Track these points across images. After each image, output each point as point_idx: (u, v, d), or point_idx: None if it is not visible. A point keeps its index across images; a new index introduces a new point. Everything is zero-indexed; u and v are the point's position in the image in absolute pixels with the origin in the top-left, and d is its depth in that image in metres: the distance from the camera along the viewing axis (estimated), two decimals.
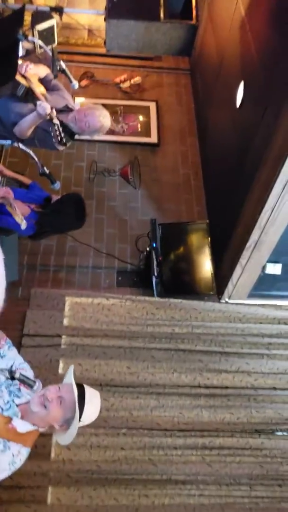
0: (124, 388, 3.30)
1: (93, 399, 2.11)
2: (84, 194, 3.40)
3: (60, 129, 2.95)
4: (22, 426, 2.01)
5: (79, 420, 2.02)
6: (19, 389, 2.14)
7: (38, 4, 4.88)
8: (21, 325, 3.44)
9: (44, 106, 2.94)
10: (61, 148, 3.23)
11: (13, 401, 2.08)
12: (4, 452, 1.94)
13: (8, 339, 2.32)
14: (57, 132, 2.94)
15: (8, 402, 2.06)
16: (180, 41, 4.71)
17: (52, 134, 3.01)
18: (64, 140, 3.01)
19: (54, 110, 2.97)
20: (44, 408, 2.01)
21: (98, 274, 4.00)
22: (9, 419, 2.01)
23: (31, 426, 2.03)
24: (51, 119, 2.95)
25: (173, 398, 3.31)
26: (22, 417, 2.05)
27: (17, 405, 2.08)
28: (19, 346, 3.32)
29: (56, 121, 2.94)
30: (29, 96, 3.15)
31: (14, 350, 2.31)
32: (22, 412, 2.07)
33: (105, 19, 4.40)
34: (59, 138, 2.97)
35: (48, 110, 2.95)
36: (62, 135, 2.98)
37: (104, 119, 3.29)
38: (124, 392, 3.29)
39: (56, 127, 2.93)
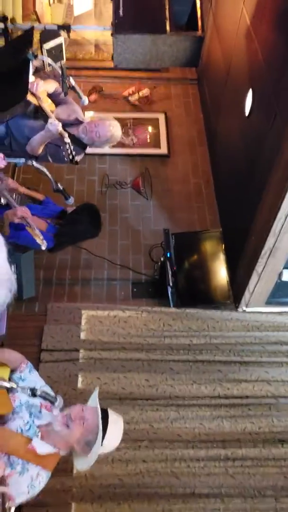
0: (144, 401, 3.28)
1: (116, 425, 2.08)
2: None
3: (72, 147, 2.99)
4: (42, 447, 1.98)
5: (101, 444, 1.99)
6: (40, 411, 2.12)
7: (46, 23, 4.94)
8: (39, 340, 3.45)
9: (55, 124, 2.98)
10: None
11: (33, 422, 2.06)
12: (22, 474, 1.92)
13: (29, 363, 2.32)
14: (69, 151, 2.98)
15: (28, 422, 2.05)
16: (187, 52, 4.73)
17: (63, 152, 3.05)
18: (75, 158, 3.05)
19: (66, 134, 3.02)
20: (66, 427, 1.99)
21: (113, 286, 4.00)
22: (29, 440, 1.99)
23: (51, 448, 2.01)
24: (62, 137, 2.99)
25: (193, 409, 3.29)
26: (42, 439, 2.02)
27: (37, 426, 2.06)
28: (37, 361, 3.33)
29: (67, 140, 2.98)
30: (39, 113, 3.20)
31: (35, 374, 2.29)
32: (43, 433, 2.04)
33: (112, 35, 4.44)
34: (70, 156, 3.01)
35: (59, 129, 2.99)
36: (74, 153, 3.01)
37: (114, 128, 3.33)
38: (144, 405, 3.27)
39: (67, 146, 2.97)
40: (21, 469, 1.92)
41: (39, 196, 3.44)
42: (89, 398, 2.19)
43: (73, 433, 2.00)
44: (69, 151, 3.01)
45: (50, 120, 3.01)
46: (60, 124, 3.03)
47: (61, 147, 3.14)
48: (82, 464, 2.07)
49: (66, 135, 3.03)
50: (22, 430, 2.02)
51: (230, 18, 3.94)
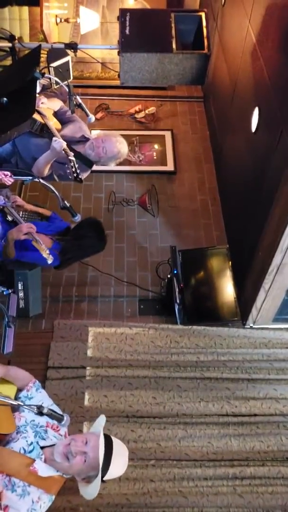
0: (151, 419, 3.26)
1: (120, 458, 2.01)
2: (103, 224, 3.43)
3: (76, 165, 3.00)
4: (44, 469, 1.94)
5: (102, 480, 1.95)
6: (46, 431, 2.09)
7: (53, 41, 5.01)
8: (45, 357, 3.44)
9: (59, 142, 3.00)
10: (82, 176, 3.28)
11: (37, 442, 2.03)
12: (23, 497, 1.87)
13: (37, 381, 2.30)
14: (73, 169, 3.00)
15: (31, 443, 2.02)
16: (193, 70, 4.76)
17: (68, 169, 3.07)
18: (79, 176, 3.06)
19: (70, 152, 3.04)
20: (67, 459, 1.93)
21: (120, 303, 3.99)
22: (32, 461, 1.94)
23: (54, 471, 1.96)
24: (67, 155, 3.00)
25: (201, 427, 3.25)
26: (45, 461, 1.98)
27: (41, 447, 2.02)
28: (44, 378, 3.32)
29: (71, 157, 3.00)
30: (45, 131, 3.22)
31: (43, 393, 2.27)
32: (46, 455, 2.00)
33: (118, 53, 4.48)
34: (74, 174, 3.02)
35: (64, 146, 3.00)
36: (78, 171, 3.03)
37: (121, 145, 3.35)
38: (151, 423, 3.24)
39: (72, 163, 2.98)
40: (21, 492, 1.88)
41: (46, 212, 3.45)
42: (94, 426, 2.12)
43: (73, 468, 1.94)
44: (73, 169, 3.02)
45: (54, 138, 3.03)
46: (65, 143, 3.04)
47: (66, 165, 3.16)
48: (86, 494, 2.01)
49: (70, 153, 3.05)
50: (25, 451, 1.98)
51: (235, 36, 3.98)
